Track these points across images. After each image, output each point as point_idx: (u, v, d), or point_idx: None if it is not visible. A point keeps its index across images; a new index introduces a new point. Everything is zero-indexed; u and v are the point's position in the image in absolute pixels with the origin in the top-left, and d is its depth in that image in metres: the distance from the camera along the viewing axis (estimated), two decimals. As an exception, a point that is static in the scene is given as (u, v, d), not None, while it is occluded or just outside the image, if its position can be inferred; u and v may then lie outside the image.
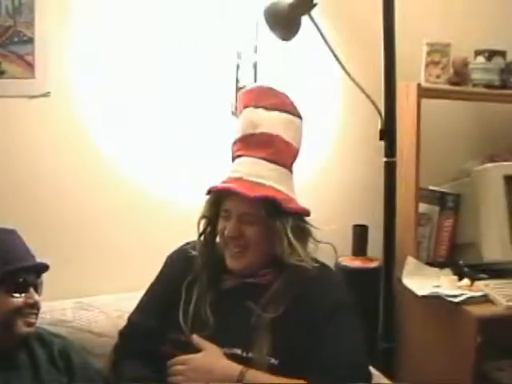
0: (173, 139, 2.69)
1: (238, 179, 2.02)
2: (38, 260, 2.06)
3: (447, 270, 2.78)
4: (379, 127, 2.45)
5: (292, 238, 2.01)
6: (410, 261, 2.76)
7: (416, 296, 2.64)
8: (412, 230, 2.79)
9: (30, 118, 2.50)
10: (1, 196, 2.48)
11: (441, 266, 2.83)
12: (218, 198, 2.08)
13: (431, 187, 2.96)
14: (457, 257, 2.90)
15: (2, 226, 2.06)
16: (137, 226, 2.69)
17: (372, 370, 2.22)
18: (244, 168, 2.04)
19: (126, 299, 2.30)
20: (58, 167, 2.56)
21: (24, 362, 2.03)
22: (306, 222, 2.08)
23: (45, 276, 2.08)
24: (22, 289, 1.99)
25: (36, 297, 2.01)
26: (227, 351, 1.99)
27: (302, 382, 1.90)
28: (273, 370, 1.94)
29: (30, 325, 2.01)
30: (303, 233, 2.07)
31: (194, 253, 2.13)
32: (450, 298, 2.56)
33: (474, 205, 2.89)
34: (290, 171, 2.09)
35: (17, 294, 1.98)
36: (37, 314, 2.03)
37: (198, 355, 1.99)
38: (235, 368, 1.94)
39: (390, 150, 2.46)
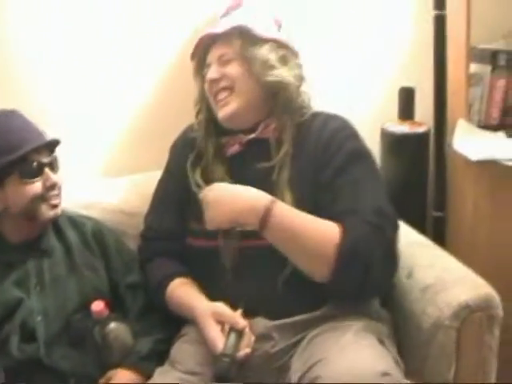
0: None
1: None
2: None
3: (501, 133, 2.58)
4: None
5: (273, 58, 1.93)
6: (462, 124, 2.54)
7: (468, 161, 2.45)
8: (463, 91, 2.56)
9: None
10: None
11: (494, 128, 2.63)
12: (201, 64, 2.04)
13: (482, 45, 2.71)
14: (511, 119, 2.69)
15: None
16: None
17: (422, 237, 2.16)
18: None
19: (156, 177, 2.15)
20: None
21: (56, 247, 1.97)
22: (289, 52, 1.99)
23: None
24: (37, 172, 1.88)
25: (54, 177, 1.90)
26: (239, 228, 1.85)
27: (334, 224, 1.74)
28: None
29: (55, 207, 1.92)
30: (287, 61, 1.97)
31: (193, 134, 2.06)
32: (506, 162, 2.37)
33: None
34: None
35: (33, 179, 1.87)
36: (59, 194, 1.93)
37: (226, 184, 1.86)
38: (265, 196, 1.75)
39: (440, 2, 2.24)
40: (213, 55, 1.99)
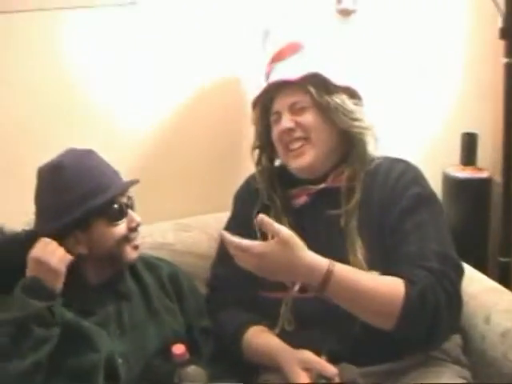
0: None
1: (274, 78, 1.94)
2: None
3: None
4: (499, 25, 2.25)
5: (353, 107, 1.91)
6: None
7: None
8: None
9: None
10: (80, 117, 2.34)
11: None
12: (264, 111, 2.00)
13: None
14: None
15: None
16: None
17: (495, 283, 2.15)
18: (277, 72, 1.95)
19: (225, 218, 2.16)
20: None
21: (134, 290, 1.95)
22: (357, 100, 1.96)
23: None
24: (122, 214, 1.87)
25: (137, 217, 1.89)
26: None
27: (398, 279, 1.71)
28: None
29: (137, 248, 1.91)
30: (361, 110, 1.95)
31: (256, 184, 2.04)
32: None
33: None
34: None
35: (119, 222, 1.86)
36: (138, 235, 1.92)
37: (278, 248, 1.63)
38: (323, 261, 1.66)
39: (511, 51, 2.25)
40: (283, 103, 1.93)
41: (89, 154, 1.91)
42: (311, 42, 2.01)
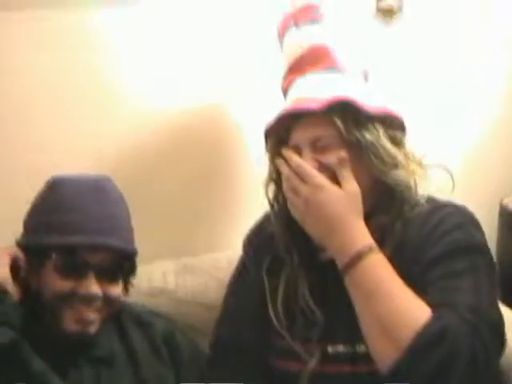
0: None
1: (293, 102, 1.60)
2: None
3: None
4: None
5: (390, 146, 1.55)
6: None
7: None
8: None
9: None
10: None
11: None
12: (280, 141, 1.64)
13: None
14: None
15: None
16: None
17: None
18: (297, 89, 1.62)
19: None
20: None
21: (118, 352, 1.65)
22: (399, 131, 1.60)
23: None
24: (75, 271, 1.54)
25: (94, 289, 1.54)
26: (331, 350, 1.54)
27: (427, 307, 1.38)
28: None
29: (84, 323, 1.55)
30: (400, 144, 1.59)
31: (271, 227, 1.70)
32: None
33: None
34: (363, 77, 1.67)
35: (64, 276, 1.54)
36: (98, 310, 1.56)
37: (339, 193, 1.50)
38: (366, 240, 1.47)
39: None
40: (303, 137, 1.58)
41: (98, 184, 1.63)
42: (345, 49, 1.66)
